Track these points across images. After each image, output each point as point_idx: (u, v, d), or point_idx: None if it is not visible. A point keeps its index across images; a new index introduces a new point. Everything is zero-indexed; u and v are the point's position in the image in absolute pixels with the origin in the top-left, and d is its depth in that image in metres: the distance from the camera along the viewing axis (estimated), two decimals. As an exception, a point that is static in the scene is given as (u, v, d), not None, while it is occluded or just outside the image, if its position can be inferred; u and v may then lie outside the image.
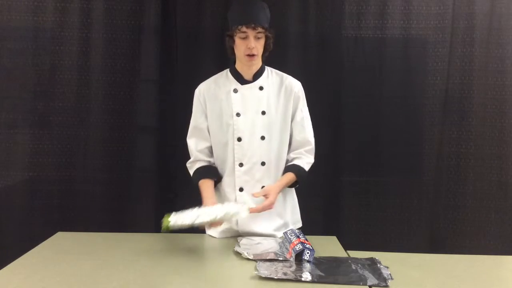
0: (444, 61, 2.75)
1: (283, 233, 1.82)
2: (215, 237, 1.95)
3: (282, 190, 1.91)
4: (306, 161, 1.96)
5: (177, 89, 2.74)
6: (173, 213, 1.67)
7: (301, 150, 1.96)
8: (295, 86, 1.97)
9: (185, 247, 1.81)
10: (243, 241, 1.81)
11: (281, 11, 2.73)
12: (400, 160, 2.77)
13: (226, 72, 2.00)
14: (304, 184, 2.00)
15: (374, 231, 2.79)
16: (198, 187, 1.93)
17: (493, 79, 2.74)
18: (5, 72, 2.66)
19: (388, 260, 1.70)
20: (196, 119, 1.98)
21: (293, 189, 2.05)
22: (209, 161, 1.98)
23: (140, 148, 2.76)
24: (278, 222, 1.96)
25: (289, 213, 2.02)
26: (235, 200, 1.91)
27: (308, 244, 1.63)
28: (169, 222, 1.64)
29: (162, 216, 2.59)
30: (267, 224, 1.92)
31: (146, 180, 2.76)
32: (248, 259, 1.63)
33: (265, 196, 1.81)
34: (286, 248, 1.69)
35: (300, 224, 2.05)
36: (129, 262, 1.62)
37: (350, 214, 2.80)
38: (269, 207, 1.80)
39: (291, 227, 1.95)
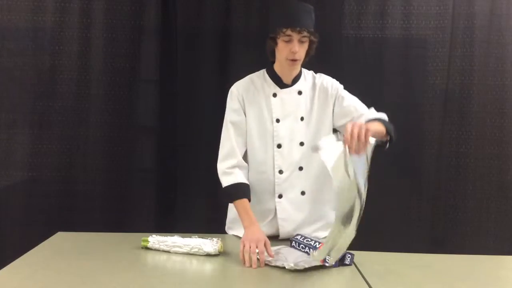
0: (444, 61, 2.75)
1: (293, 239, 1.76)
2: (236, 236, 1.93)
3: (373, 130, 1.59)
4: (381, 115, 1.78)
5: (177, 89, 2.74)
6: (152, 236, 1.75)
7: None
8: (328, 82, 1.91)
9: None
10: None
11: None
12: (400, 160, 2.77)
13: (263, 74, 1.92)
14: (394, 135, 1.79)
15: (374, 231, 2.78)
16: (228, 197, 1.85)
17: (493, 79, 2.74)
18: (5, 72, 2.66)
19: (388, 260, 1.71)
20: (236, 118, 1.87)
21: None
22: (247, 168, 1.88)
23: (140, 148, 2.76)
24: (319, 224, 1.91)
25: (330, 213, 1.93)
26: (275, 208, 1.86)
27: None
28: (148, 242, 1.73)
29: (162, 216, 2.60)
30: (308, 228, 1.87)
31: (146, 180, 2.75)
32: (293, 270, 1.53)
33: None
34: (311, 254, 1.64)
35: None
36: (129, 262, 1.62)
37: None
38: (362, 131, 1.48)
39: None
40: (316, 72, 2.02)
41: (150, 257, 1.68)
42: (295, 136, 1.86)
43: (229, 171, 1.85)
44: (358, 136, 1.47)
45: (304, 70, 1.96)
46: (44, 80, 2.68)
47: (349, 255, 1.62)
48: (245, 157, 1.90)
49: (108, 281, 1.43)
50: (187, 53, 2.73)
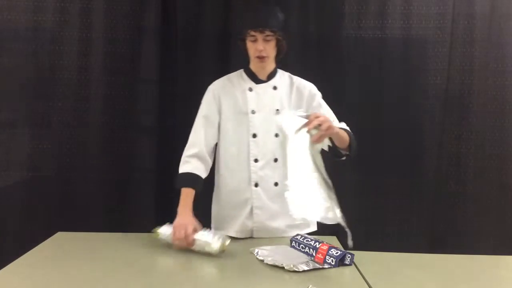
0: (444, 61, 2.75)
1: (293, 239, 1.77)
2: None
3: (335, 134, 1.75)
4: (347, 129, 1.88)
5: (177, 89, 2.74)
6: (165, 225, 1.77)
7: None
8: (306, 86, 2.01)
9: (185, 247, 1.81)
10: (262, 252, 1.70)
11: (281, 11, 2.73)
12: (400, 160, 2.77)
13: (241, 72, 2.03)
14: (354, 152, 1.87)
15: (374, 231, 2.79)
16: (179, 182, 1.88)
17: (493, 79, 2.74)
18: (5, 72, 2.66)
19: (388, 260, 1.71)
20: (208, 111, 1.97)
21: None
22: (208, 162, 1.95)
23: (140, 148, 2.76)
24: (293, 220, 1.92)
25: None
26: (251, 195, 1.92)
27: (338, 247, 1.64)
28: (158, 234, 1.77)
29: (162, 216, 2.60)
30: (282, 221, 1.93)
31: (146, 180, 2.76)
32: (292, 270, 1.54)
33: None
34: (311, 255, 1.66)
35: (315, 227, 2.03)
36: (129, 262, 1.62)
37: (350, 214, 2.79)
38: (322, 122, 1.60)
39: (306, 227, 1.97)
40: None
41: (150, 257, 1.68)
42: (270, 127, 1.93)
43: (187, 160, 1.92)
44: (321, 124, 1.60)
45: (280, 70, 2.04)
46: (44, 80, 2.68)
47: (349, 255, 1.62)
48: (216, 152, 1.98)
49: (108, 281, 1.44)
50: (187, 53, 2.73)
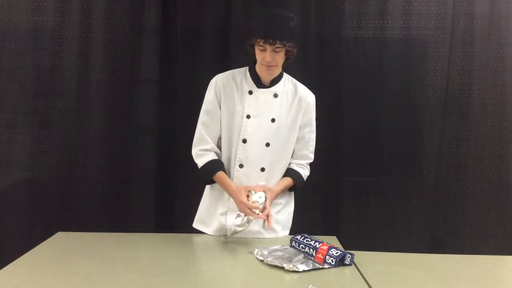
0: (444, 61, 2.75)
1: (293, 239, 1.76)
2: (209, 235, 1.96)
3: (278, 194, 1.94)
4: (305, 173, 2.01)
5: (177, 89, 2.74)
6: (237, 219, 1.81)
7: (303, 162, 2.00)
8: (308, 98, 1.97)
9: (185, 247, 1.82)
10: (262, 252, 1.70)
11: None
12: (400, 160, 2.77)
13: (245, 71, 1.97)
14: (297, 191, 2.04)
15: (374, 231, 2.79)
16: (206, 174, 1.93)
17: (493, 79, 2.74)
18: (5, 72, 2.67)
19: (388, 260, 1.71)
20: (211, 105, 1.94)
21: (292, 197, 2.05)
22: (219, 154, 1.96)
23: (140, 148, 2.76)
24: (276, 226, 1.96)
25: (285, 219, 2.02)
26: (228, 200, 1.92)
27: (338, 247, 1.64)
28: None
29: (162, 216, 2.61)
30: (257, 224, 1.91)
31: (146, 180, 2.76)
32: (292, 270, 1.55)
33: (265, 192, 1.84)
34: (310, 255, 1.66)
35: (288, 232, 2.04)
36: (129, 262, 1.62)
37: (350, 214, 2.80)
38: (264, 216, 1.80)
39: (285, 232, 2.00)
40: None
41: (150, 257, 1.68)
42: (262, 135, 1.90)
43: (201, 153, 1.94)
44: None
45: (285, 75, 2.00)
46: (44, 80, 2.68)
47: (349, 255, 1.62)
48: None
49: (108, 281, 1.44)
50: (187, 53, 2.74)
